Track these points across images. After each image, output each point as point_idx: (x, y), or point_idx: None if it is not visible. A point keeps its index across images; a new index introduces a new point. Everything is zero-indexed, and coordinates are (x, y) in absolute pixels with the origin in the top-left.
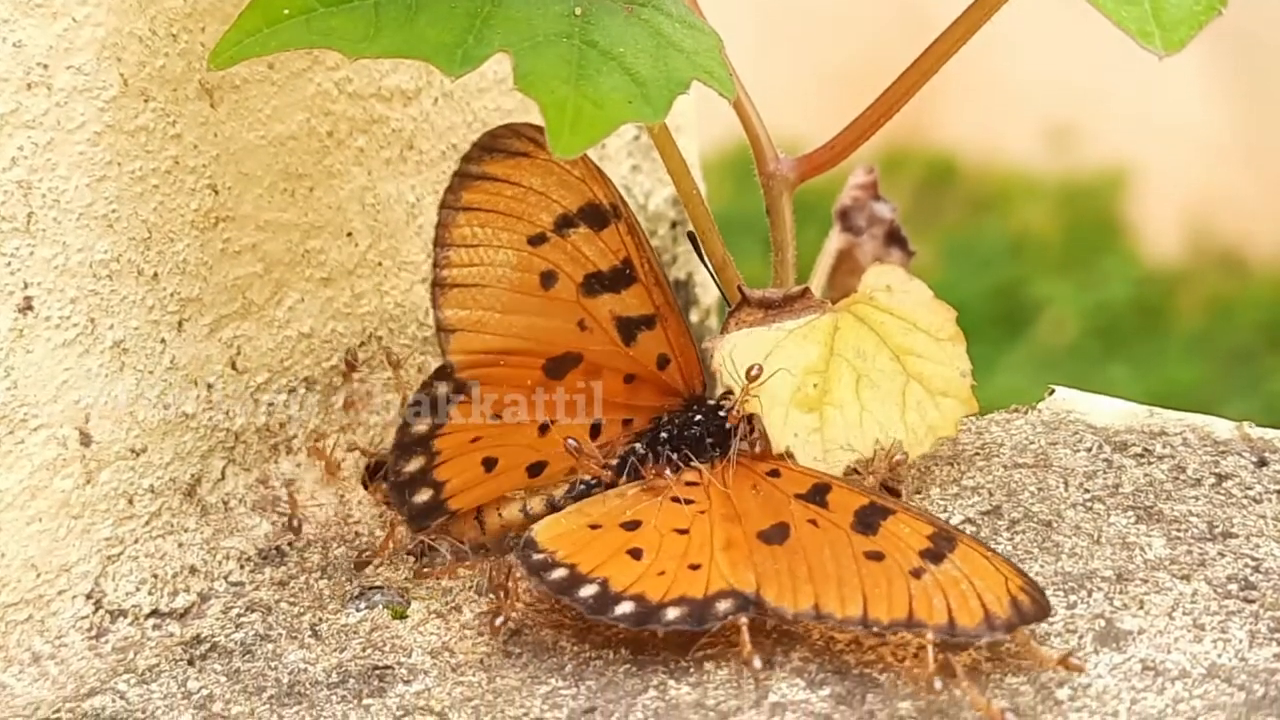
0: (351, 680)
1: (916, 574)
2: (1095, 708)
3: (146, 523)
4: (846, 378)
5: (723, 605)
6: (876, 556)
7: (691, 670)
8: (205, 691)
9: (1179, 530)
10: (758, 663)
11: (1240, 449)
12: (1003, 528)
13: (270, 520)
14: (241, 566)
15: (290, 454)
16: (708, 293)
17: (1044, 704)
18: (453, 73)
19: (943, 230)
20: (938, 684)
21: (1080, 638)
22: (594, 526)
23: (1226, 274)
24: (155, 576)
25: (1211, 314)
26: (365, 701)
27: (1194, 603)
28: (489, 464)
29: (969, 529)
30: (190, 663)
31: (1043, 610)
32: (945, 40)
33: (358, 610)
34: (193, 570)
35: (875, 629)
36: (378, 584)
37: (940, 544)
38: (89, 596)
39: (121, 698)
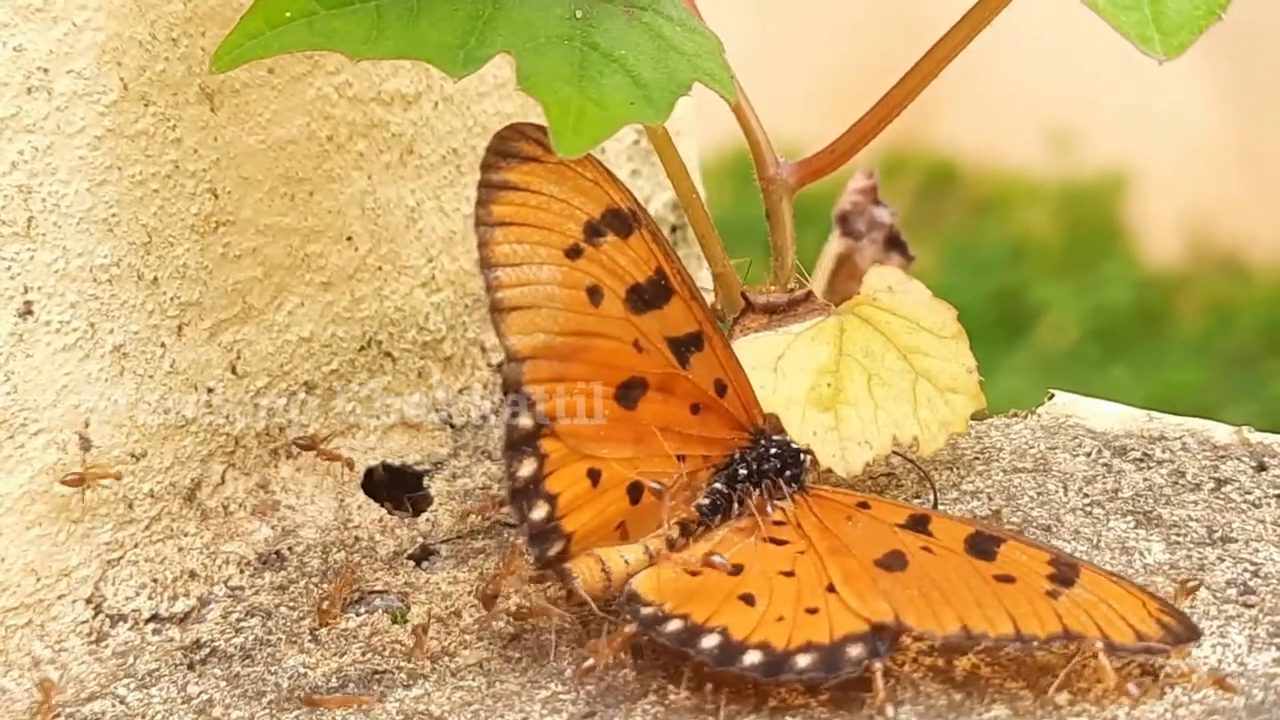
0: (351, 685)
1: (1053, 595)
2: (1095, 713)
3: (146, 527)
4: (858, 377)
5: (854, 651)
6: (1007, 579)
7: (691, 675)
8: (205, 696)
9: (1178, 535)
10: (890, 710)
11: (1240, 454)
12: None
13: (270, 525)
14: (241, 571)
15: (290, 459)
16: (706, 297)
17: (1043, 709)
18: (455, 73)
19: (943, 234)
20: (1133, 689)
21: None
22: (693, 574)
23: (1226, 277)
24: (155, 581)
25: (1211, 317)
26: (364, 706)
27: (1193, 607)
28: (594, 476)
29: None
30: (190, 667)
31: (1193, 631)
32: (945, 44)
33: (357, 615)
34: (192, 575)
35: (1035, 645)
36: (377, 588)
37: (1064, 570)
38: (89, 601)
39: (121, 702)
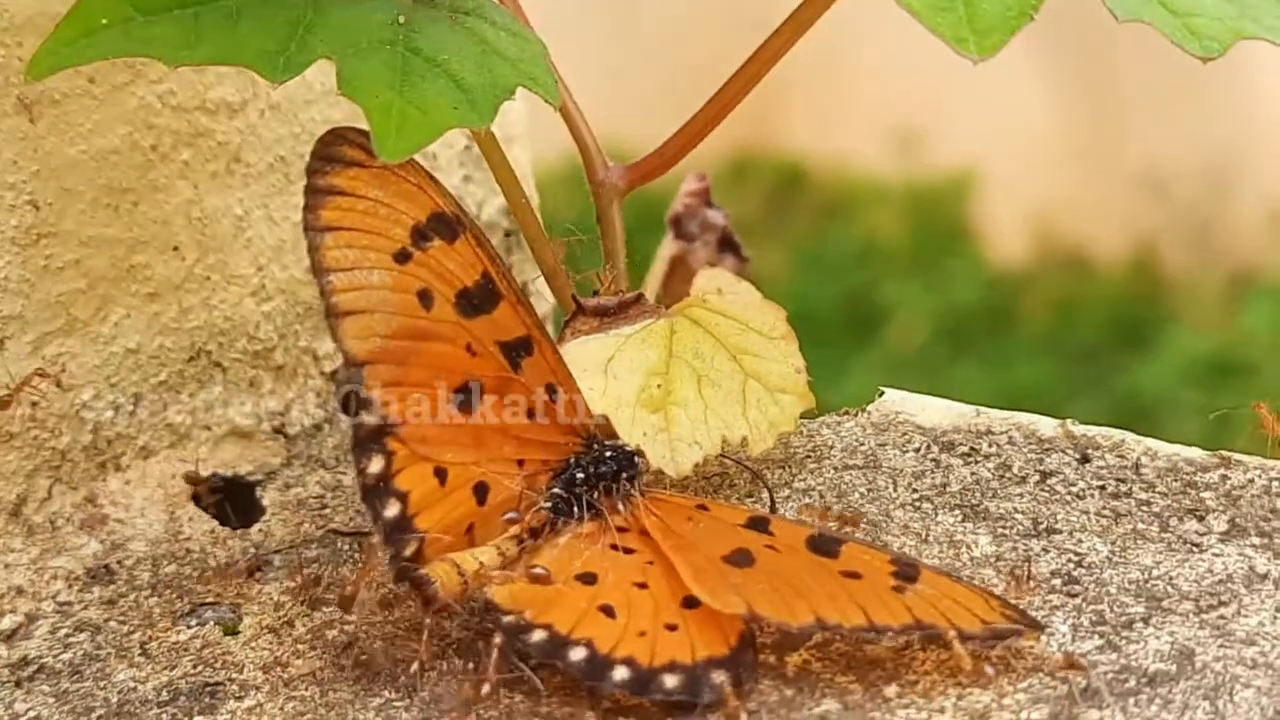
0: (182, 698)
1: (899, 590)
2: (923, 704)
3: None
4: (688, 378)
5: (717, 677)
6: (854, 575)
7: (524, 680)
8: (33, 714)
9: (1004, 527)
10: (744, 717)
11: (1064, 446)
12: (833, 530)
13: (99, 539)
14: (69, 586)
15: (119, 471)
16: (543, 302)
17: (872, 701)
18: (275, 79)
19: (792, 237)
20: (989, 670)
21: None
22: (546, 581)
23: (1071, 275)
24: None
25: (1057, 314)
26: (196, 719)
27: (1018, 598)
28: (441, 475)
29: None
30: (17, 685)
31: (1034, 621)
32: (770, 46)
33: (188, 627)
34: (19, 591)
35: (888, 635)
36: (209, 600)
37: (905, 568)
38: None
39: None
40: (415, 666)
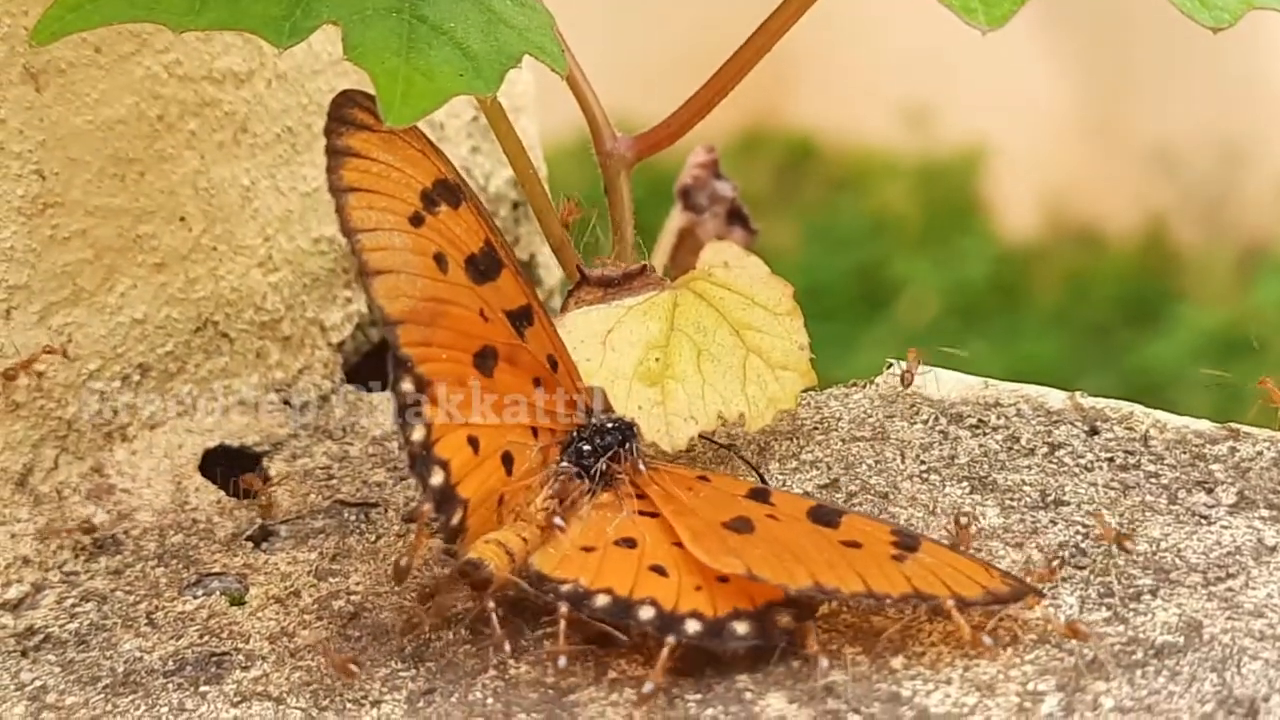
0: (188, 668)
1: (899, 560)
2: (929, 675)
3: None
4: (688, 352)
5: (782, 618)
6: (854, 545)
7: (531, 649)
8: (39, 683)
9: (1012, 499)
10: (824, 662)
11: (1072, 418)
12: (840, 500)
13: (105, 509)
14: (76, 556)
15: (125, 441)
16: (551, 274)
17: (879, 673)
18: (280, 44)
19: (802, 211)
20: (987, 640)
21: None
22: (588, 549)
23: (1082, 250)
24: None
25: (1068, 290)
26: (202, 689)
27: (1026, 570)
28: (474, 444)
29: None
30: (23, 654)
31: (1032, 589)
32: (778, 17)
33: (195, 597)
34: (25, 561)
35: (887, 603)
36: (215, 570)
37: (905, 539)
38: None
39: None
40: (493, 651)
